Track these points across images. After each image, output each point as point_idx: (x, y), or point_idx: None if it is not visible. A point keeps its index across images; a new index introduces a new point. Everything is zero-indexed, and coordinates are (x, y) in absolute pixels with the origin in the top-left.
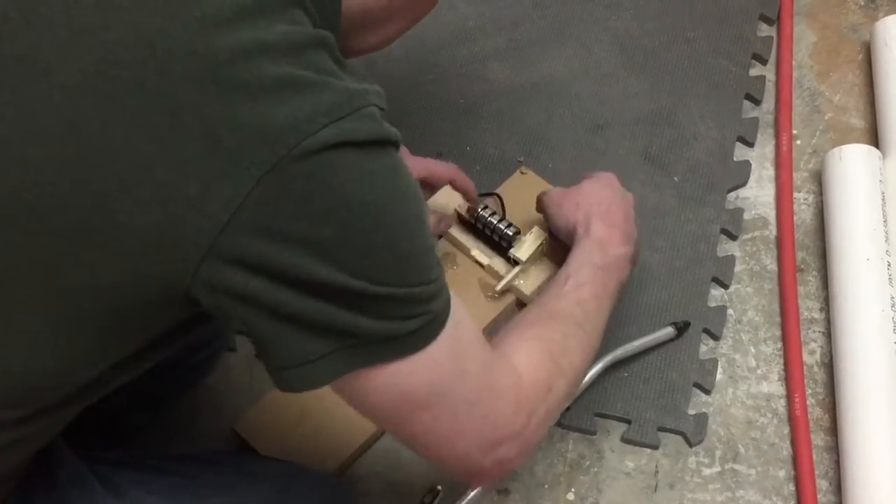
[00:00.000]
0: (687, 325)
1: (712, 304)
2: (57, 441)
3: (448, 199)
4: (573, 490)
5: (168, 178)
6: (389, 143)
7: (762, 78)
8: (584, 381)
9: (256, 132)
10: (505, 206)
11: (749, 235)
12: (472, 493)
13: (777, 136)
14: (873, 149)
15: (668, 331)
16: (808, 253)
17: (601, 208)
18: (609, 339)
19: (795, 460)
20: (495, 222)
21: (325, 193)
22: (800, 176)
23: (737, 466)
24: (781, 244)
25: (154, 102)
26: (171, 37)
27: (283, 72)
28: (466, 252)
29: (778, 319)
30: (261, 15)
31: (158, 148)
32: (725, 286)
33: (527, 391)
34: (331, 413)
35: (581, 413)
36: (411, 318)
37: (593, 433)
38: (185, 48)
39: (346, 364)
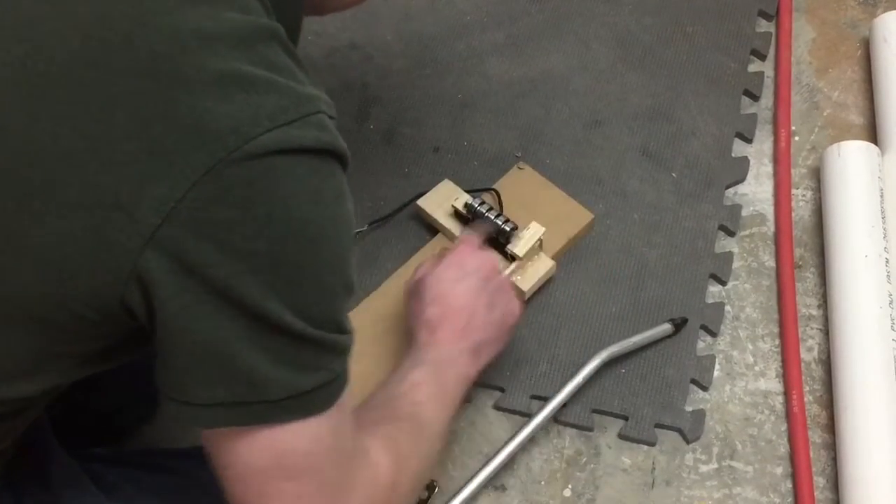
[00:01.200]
0: (684, 321)
1: (710, 300)
2: (49, 439)
3: (446, 195)
4: (570, 486)
5: (96, 179)
6: (337, 157)
7: (761, 74)
8: (581, 377)
9: (194, 132)
10: (502, 201)
11: (747, 232)
12: (469, 490)
13: (775, 133)
14: (872, 145)
15: (666, 327)
16: (806, 249)
17: (436, 305)
18: (606, 335)
19: (792, 457)
20: (492, 218)
21: (264, 203)
22: (798, 172)
23: (734, 463)
24: (779, 241)
25: (85, 97)
26: (108, 27)
27: (228, 67)
28: None
29: (776, 316)
30: (206, 1)
31: (88, 146)
32: (723, 283)
33: (379, 492)
34: None
35: (578, 409)
36: (317, 370)
37: (590, 429)
38: (122, 38)
39: (232, 418)
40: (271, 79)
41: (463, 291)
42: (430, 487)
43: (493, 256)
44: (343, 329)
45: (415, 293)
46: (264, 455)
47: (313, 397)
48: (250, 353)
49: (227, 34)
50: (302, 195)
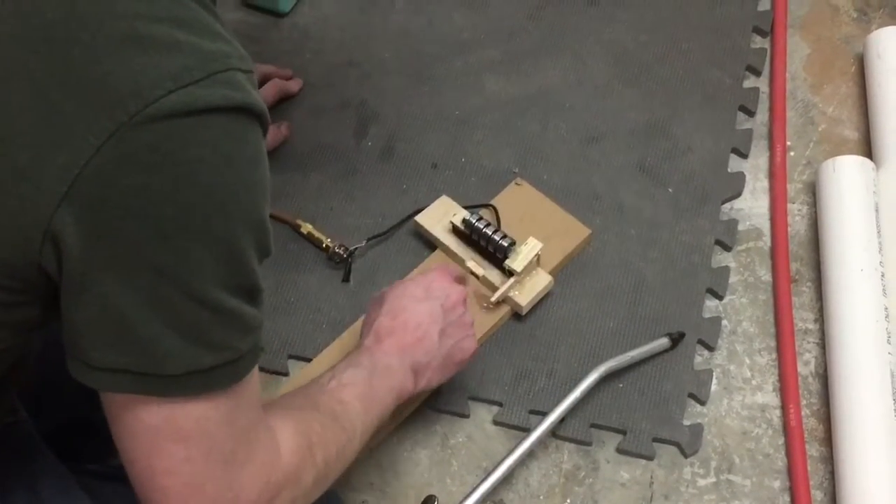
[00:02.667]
0: (682, 335)
1: (707, 314)
2: (41, 451)
3: (444, 211)
4: (568, 501)
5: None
6: (252, 115)
7: (756, 90)
8: (579, 392)
9: (94, 97)
10: (500, 217)
11: (743, 246)
12: None
13: (771, 148)
14: (867, 160)
15: (663, 342)
16: (802, 264)
17: (391, 316)
18: (604, 349)
19: (790, 471)
20: (490, 233)
21: (170, 167)
22: (794, 187)
23: (732, 477)
24: (776, 255)
25: None
26: None
27: (128, 28)
28: (462, 263)
29: (772, 330)
30: None
31: None
32: (720, 297)
33: (279, 473)
34: None
35: (576, 424)
36: (221, 348)
37: (588, 444)
38: (12, 9)
39: (127, 386)
40: (175, 37)
41: (421, 311)
42: (430, 502)
43: (463, 291)
44: (255, 296)
45: (376, 301)
46: (156, 416)
47: (214, 375)
48: (152, 324)
49: None
50: (210, 158)
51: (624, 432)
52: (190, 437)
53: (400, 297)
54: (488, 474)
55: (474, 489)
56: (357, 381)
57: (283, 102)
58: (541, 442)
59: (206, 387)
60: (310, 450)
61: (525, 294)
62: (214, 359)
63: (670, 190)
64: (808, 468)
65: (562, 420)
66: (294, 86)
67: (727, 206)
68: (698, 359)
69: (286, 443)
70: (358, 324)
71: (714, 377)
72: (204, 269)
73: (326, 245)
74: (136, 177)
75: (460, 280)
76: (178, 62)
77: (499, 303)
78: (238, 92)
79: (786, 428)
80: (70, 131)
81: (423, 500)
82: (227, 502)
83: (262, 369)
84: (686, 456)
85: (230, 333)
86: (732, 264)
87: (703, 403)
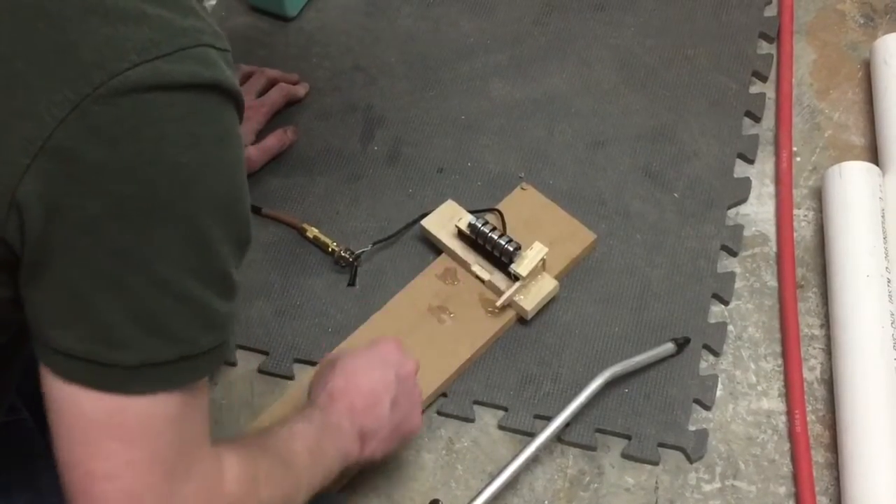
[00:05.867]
0: (687, 341)
1: (712, 320)
2: (44, 449)
3: (450, 215)
4: None
5: None
6: (224, 93)
7: (762, 95)
8: (584, 396)
9: (58, 67)
10: (505, 221)
11: (749, 252)
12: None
13: (777, 153)
14: (873, 166)
15: (668, 347)
16: (808, 269)
17: (344, 378)
18: (609, 354)
19: (796, 477)
20: (496, 238)
21: (133, 143)
22: (800, 193)
23: (737, 483)
24: (781, 261)
25: None
26: None
27: (92, 1)
28: (467, 267)
29: (778, 336)
30: None
31: None
32: (726, 302)
33: (221, 499)
34: None
35: (581, 429)
36: (180, 340)
37: (593, 449)
38: None
39: (80, 375)
40: (143, 10)
41: (375, 378)
42: None
43: (416, 363)
44: (226, 287)
45: (328, 363)
46: (101, 410)
47: (169, 370)
48: (110, 309)
49: None
50: (175, 136)
51: (629, 437)
52: (133, 437)
53: (354, 361)
54: (493, 479)
55: (479, 493)
56: (307, 435)
57: (289, 107)
58: (546, 447)
59: (159, 383)
60: (255, 483)
61: (530, 299)
62: (171, 352)
63: (676, 195)
64: (814, 474)
65: (567, 425)
66: (301, 90)
67: (733, 211)
68: (704, 364)
69: (231, 470)
70: (363, 328)
71: (719, 382)
72: (167, 252)
73: (332, 249)
74: (97, 151)
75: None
76: (144, 35)
77: (504, 307)
78: (208, 69)
79: (791, 434)
80: (34, 102)
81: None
82: None
83: (267, 373)
84: (691, 461)
85: (192, 325)
86: (738, 270)
87: (708, 409)
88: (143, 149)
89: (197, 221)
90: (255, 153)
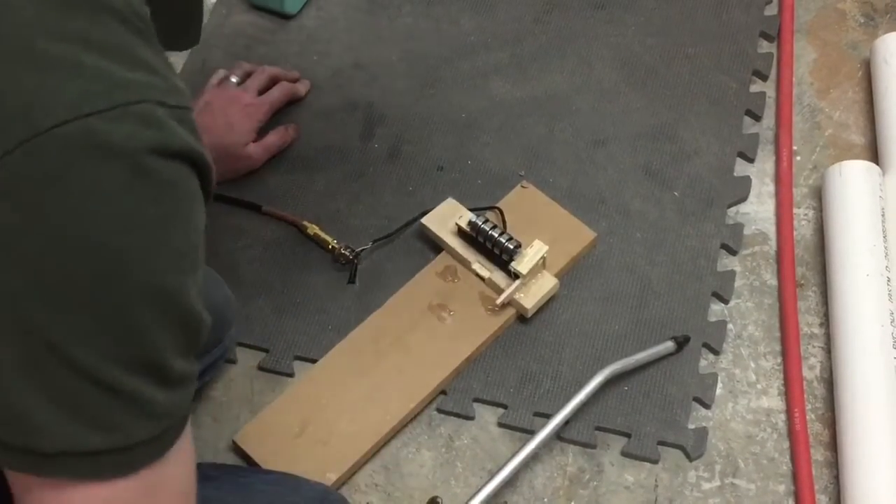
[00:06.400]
0: (687, 339)
1: (712, 318)
2: None
3: (450, 213)
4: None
5: None
6: (171, 158)
7: (762, 94)
8: (584, 394)
9: None
10: (506, 219)
11: (749, 251)
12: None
13: (777, 152)
14: (873, 165)
15: (669, 345)
16: (807, 268)
17: None
18: (609, 352)
19: (795, 475)
20: (496, 236)
21: (55, 212)
22: (800, 192)
23: (736, 481)
24: (781, 259)
25: None
26: None
27: (26, 42)
28: (467, 265)
29: (778, 334)
30: None
31: None
32: (725, 301)
33: None
34: (331, 425)
35: (581, 426)
36: (110, 429)
37: (593, 446)
38: None
39: (4, 454)
40: (80, 59)
41: None
42: (434, 503)
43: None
44: (167, 378)
45: None
46: (38, 498)
47: (101, 460)
48: (25, 392)
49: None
50: (105, 214)
51: (629, 435)
52: None
53: None
54: (493, 476)
55: (478, 491)
56: None
57: (290, 105)
58: (545, 444)
59: (90, 472)
60: None
61: (530, 297)
62: (102, 441)
63: (676, 194)
64: (813, 472)
65: (567, 422)
66: (302, 88)
67: (733, 210)
68: (703, 362)
69: None
70: (363, 326)
71: (719, 381)
72: (88, 338)
73: (332, 246)
74: (15, 216)
75: None
76: (76, 87)
77: (504, 305)
78: (152, 130)
79: (791, 432)
80: None
81: (427, 501)
82: None
83: (267, 370)
84: (691, 459)
85: (123, 416)
86: (738, 268)
87: (708, 407)
88: (66, 223)
89: (125, 311)
90: (256, 150)
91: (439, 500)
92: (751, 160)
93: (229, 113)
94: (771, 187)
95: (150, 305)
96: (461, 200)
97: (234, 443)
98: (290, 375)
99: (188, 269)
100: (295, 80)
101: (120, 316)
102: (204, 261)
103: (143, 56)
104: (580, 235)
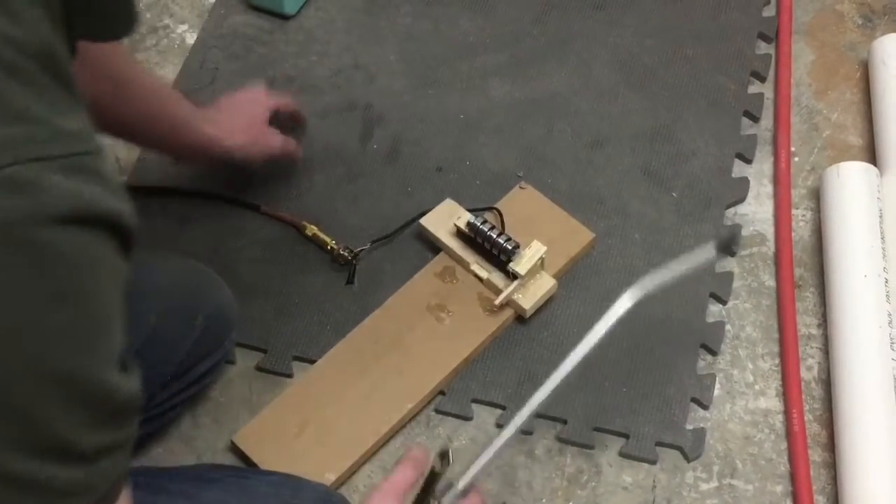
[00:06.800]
0: (734, 238)
1: (710, 319)
2: None
3: (448, 214)
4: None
5: None
6: (60, 224)
7: (760, 95)
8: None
9: None
10: (504, 220)
11: (747, 252)
12: (485, 458)
13: (775, 153)
14: (871, 166)
15: (707, 250)
16: (805, 269)
17: None
18: (608, 352)
19: (793, 476)
20: (494, 236)
21: None
22: (798, 193)
23: (734, 482)
24: (779, 260)
25: None
26: None
27: None
28: (466, 266)
29: (776, 335)
30: None
31: None
32: (723, 302)
33: None
34: (330, 425)
35: (579, 427)
36: None
37: (591, 447)
38: None
39: None
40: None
41: None
42: (444, 456)
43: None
44: (80, 455)
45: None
46: None
47: None
48: None
49: None
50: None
51: (627, 436)
52: None
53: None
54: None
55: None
56: None
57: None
58: (543, 439)
59: None
60: None
61: (529, 297)
62: None
63: (674, 195)
64: (811, 473)
65: (565, 423)
66: (298, 156)
67: (731, 211)
68: (701, 363)
69: None
70: (361, 326)
71: (717, 382)
72: None
73: (331, 247)
74: None
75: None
76: (21, 132)
77: (502, 306)
78: (23, 197)
79: (788, 433)
80: None
81: (437, 453)
82: None
83: (266, 370)
84: (689, 460)
85: (24, 499)
86: (736, 269)
87: (706, 408)
88: None
89: (10, 394)
90: (275, 133)
91: (449, 451)
92: (749, 161)
93: (248, 92)
94: (769, 188)
95: (47, 389)
96: (460, 201)
97: (232, 443)
98: (289, 376)
99: (91, 343)
100: (295, 115)
101: (6, 401)
102: (125, 323)
103: (25, 107)
104: (578, 236)
